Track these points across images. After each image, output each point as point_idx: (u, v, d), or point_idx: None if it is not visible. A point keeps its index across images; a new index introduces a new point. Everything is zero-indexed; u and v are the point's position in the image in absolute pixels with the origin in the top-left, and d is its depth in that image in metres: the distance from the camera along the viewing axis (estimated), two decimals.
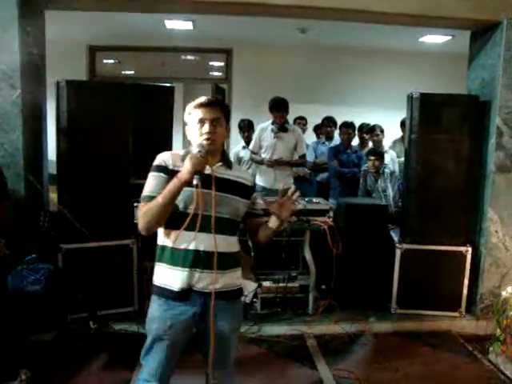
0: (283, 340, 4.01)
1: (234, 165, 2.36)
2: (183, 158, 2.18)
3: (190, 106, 2.24)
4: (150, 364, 2.26)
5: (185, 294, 2.18)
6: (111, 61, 8.59)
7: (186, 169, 2.06)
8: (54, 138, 4.07)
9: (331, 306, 4.37)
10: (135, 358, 3.54)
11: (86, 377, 3.40)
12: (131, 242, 4.15)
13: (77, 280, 3.89)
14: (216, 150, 2.24)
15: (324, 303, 4.37)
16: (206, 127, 2.17)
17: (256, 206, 2.41)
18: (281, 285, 4.31)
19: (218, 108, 2.23)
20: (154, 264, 2.29)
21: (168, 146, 4.59)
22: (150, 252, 4.21)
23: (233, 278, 2.29)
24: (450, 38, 6.70)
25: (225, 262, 2.22)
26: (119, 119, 4.03)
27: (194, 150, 2.13)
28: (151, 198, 2.14)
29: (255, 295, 4.34)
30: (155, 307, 2.25)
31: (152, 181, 2.19)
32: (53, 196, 4.44)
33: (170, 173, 2.16)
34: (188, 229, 2.12)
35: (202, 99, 2.23)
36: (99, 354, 3.68)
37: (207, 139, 2.17)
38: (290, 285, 4.33)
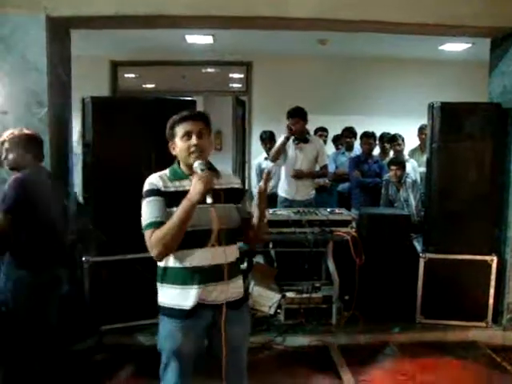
0: (307, 351, 4.01)
1: (220, 171, 2.34)
2: (171, 178, 2.23)
3: (174, 121, 2.24)
4: (169, 381, 2.27)
5: (195, 310, 2.18)
6: (132, 75, 8.74)
7: (196, 190, 2.06)
8: (80, 153, 4.17)
9: (355, 316, 4.35)
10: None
11: None
12: None
13: (103, 292, 3.96)
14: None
15: (348, 314, 4.36)
16: (194, 139, 2.18)
17: (246, 209, 2.39)
18: (304, 295, 4.31)
19: (202, 121, 2.23)
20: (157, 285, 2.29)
21: None
22: None
23: (238, 286, 2.32)
24: (470, 45, 6.66)
25: (232, 271, 2.25)
26: (143, 134, 4.09)
27: (196, 168, 2.14)
28: (158, 223, 2.12)
29: (279, 306, 4.35)
30: (166, 326, 2.24)
31: (151, 206, 2.18)
32: None
33: (163, 195, 2.18)
34: (195, 246, 2.16)
35: (186, 113, 2.23)
36: (124, 365, 3.73)
37: (196, 151, 2.17)
38: (313, 295, 4.34)
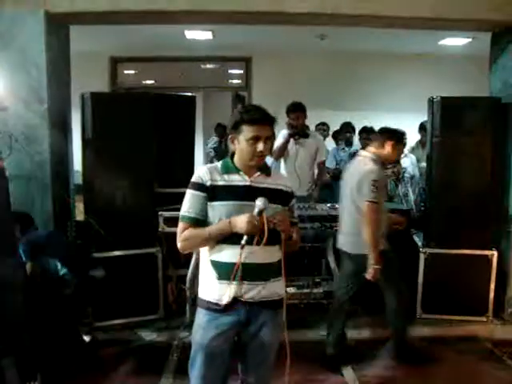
0: (308, 346, 4.00)
1: (272, 171, 2.32)
2: (222, 171, 2.19)
3: (241, 119, 2.14)
4: (195, 376, 2.25)
5: (230, 306, 2.17)
6: (132, 71, 8.73)
7: (242, 226, 2.05)
8: (80, 149, 4.16)
9: (355, 311, 4.35)
10: (161, 365, 3.63)
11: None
12: (156, 251, 4.21)
13: (103, 288, 3.95)
14: None
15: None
16: (261, 146, 2.12)
17: (294, 214, 2.36)
18: (305, 291, 4.31)
19: (271, 124, 2.16)
20: (199, 276, 2.30)
21: (191, 155, 4.67)
22: (174, 260, 4.30)
23: (277, 287, 2.27)
24: (470, 40, 6.65)
25: (269, 271, 2.22)
26: (143, 129, 4.09)
27: (257, 206, 2.07)
28: (192, 219, 2.16)
29: None
30: (200, 317, 2.25)
31: (190, 199, 2.18)
32: (79, 206, 4.53)
33: (208, 189, 2.16)
34: (234, 243, 2.12)
35: (257, 114, 2.13)
36: (125, 360, 3.72)
37: (260, 157, 2.14)
38: (314, 291, 4.34)
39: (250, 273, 2.16)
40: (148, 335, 4.06)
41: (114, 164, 4.04)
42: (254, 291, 2.18)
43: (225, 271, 2.16)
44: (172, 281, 4.32)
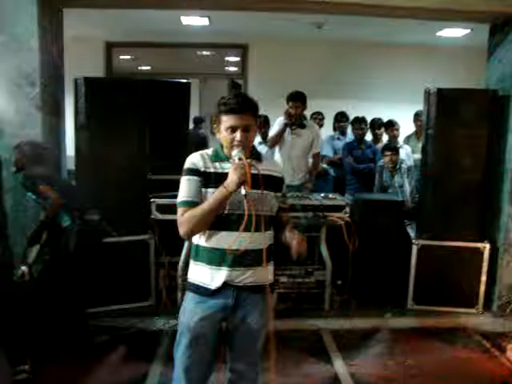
0: (299, 335, 4.02)
1: (264, 157, 2.33)
2: (213, 158, 2.20)
3: (220, 109, 2.16)
4: (179, 357, 2.26)
5: (219, 290, 2.19)
6: (127, 57, 8.65)
7: (232, 179, 2.05)
8: (73, 135, 4.13)
9: (347, 301, 4.37)
10: (151, 351, 3.63)
11: (103, 370, 3.45)
12: (148, 237, 4.20)
13: (94, 275, 3.93)
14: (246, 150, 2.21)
15: (340, 299, 4.38)
16: (238, 136, 2.12)
17: (285, 200, 2.38)
18: (297, 280, 4.32)
19: (250, 113, 2.15)
20: (190, 261, 2.30)
21: (185, 142, 4.65)
22: (166, 247, 4.29)
23: (268, 272, 2.27)
24: (468, 31, 6.61)
25: (261, 257, 2.20)
26: (136, 115, 4.06)
27: (235, 156, 2.11)
28: (190, 202, 2.14)
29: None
30: (187, 300, 2.27)
31: (187, 185, 2.17)
32: None
33: (202, 174, 2.16)
34: (228, 229, 2.14)
35: (233, 103, 2.12)
36: (116, 347, 3.73)
37: (239, 146, 2.13)
38: (306, 280, 4.34)
39: (241, 258, 2.16)
40: (139, 322, 4.05)
41: (107, 149, 4.01)
42: (245, 276, 2.19)
43: (216, 257, 2.18)
44: (164, 268, 4.32)
